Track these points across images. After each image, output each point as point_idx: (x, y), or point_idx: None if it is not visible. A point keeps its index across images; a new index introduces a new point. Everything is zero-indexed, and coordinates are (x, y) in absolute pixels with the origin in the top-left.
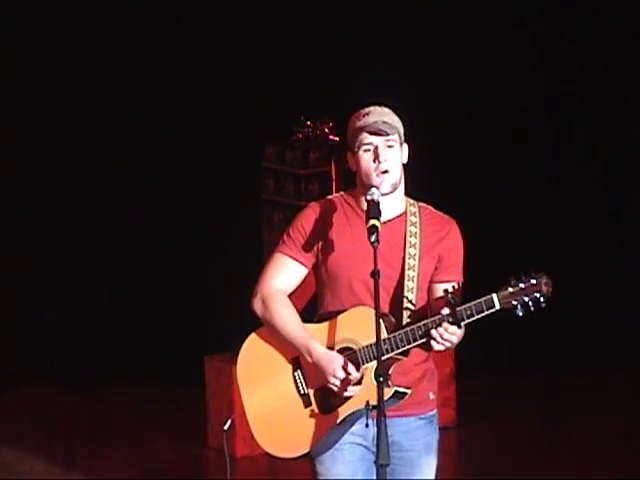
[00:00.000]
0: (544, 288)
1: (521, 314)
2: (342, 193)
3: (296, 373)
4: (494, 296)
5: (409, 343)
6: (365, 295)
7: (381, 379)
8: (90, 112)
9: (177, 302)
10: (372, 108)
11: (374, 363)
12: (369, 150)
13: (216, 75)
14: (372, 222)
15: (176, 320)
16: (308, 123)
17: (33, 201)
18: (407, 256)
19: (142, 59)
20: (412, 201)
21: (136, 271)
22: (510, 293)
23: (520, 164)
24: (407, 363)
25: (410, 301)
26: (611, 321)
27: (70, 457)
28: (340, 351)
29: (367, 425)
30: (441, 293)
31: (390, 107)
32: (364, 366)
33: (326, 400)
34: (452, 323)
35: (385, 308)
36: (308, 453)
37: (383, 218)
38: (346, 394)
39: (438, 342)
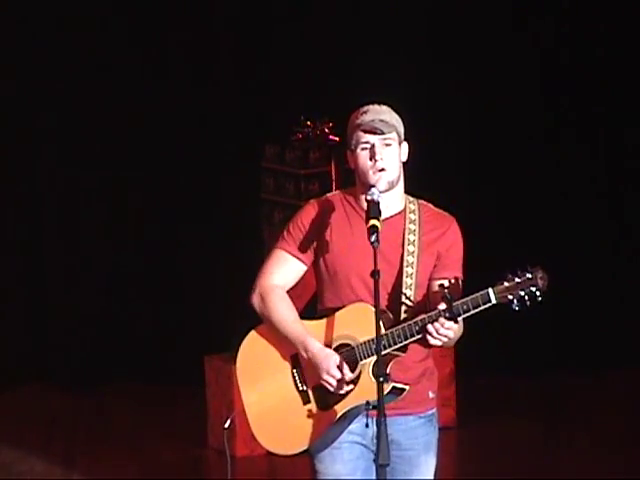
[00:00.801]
0: (540, 282)
1: (517, 308)
2: (341, 191)
3: (295, 370)
4: (490, 291)
5: (406, 339)
6: (364, 292)
7: (381, 379)
8: (90, 112)
9: (177, 302)
10: (371, 106)
11: (372, 359)
12: (366, 148)
13: (216, 75)
14: (372, 222)
15: (176, 320)
16: (308, 123)
17: (33, 201)
18: (406, 253)
19: (142, 59)
20: (411, 198)
21: (136, 271)
22: (506, 287)
23: (519, 162)
24: (406, 360)
25: (408, 298)
26: (610, 321)
27: (70, 457)
28: (338, 347)
29: (367, 425)
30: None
31: (390, 106)
32: (362, 362)
33: (324, 397)
34: (448, 318)
35: (383, 304)
36: (307, 450)
37: (382, 216)
38: (340, 392)
39: (434, 337)
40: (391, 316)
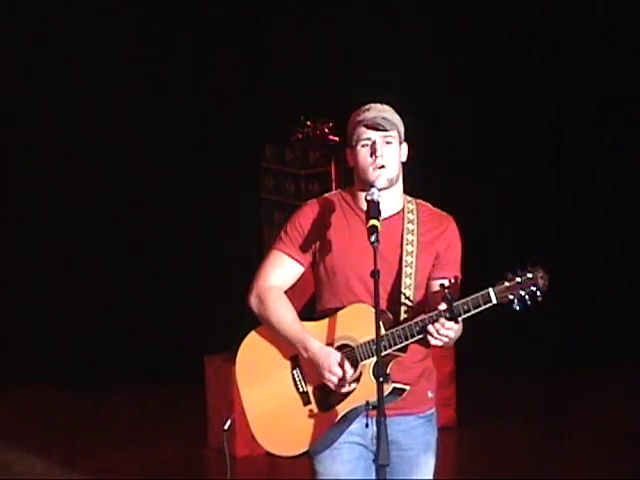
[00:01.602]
0: (540, 282)
1: (518, 308)
2: (340, 191)
3: (295, 371)
4: (491, 290)
5: (407, 339)
6: (363, 292)
7: (381, 379)
8: (90, 112)
9: (177, 302)
10: (373, 104)
11: (372, 360)
12: (367, 145)
13: (216, 75)
14: (372, 222)
15: (176, 320)
16: (308, 123)
17: (33, 201)
18: (404, 253)
19: (142, 59)
20: (410, 198)
21: (136, 271)
22: (507, 287)
23: (519, 161)
24: (406, 361)
25: (408, 297)
26: (611, 321)
27: (70, 457)
28: (338, 348)
29: (367, 425)
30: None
31: (391, 106)
32: (362, 363)
33: (325, 398)
34: (449, 318)
35: (383, 305)
36: (307, 452)
37: (381, 215)
38: (342, 390)
39: (435, 337)
40: (391, 316)
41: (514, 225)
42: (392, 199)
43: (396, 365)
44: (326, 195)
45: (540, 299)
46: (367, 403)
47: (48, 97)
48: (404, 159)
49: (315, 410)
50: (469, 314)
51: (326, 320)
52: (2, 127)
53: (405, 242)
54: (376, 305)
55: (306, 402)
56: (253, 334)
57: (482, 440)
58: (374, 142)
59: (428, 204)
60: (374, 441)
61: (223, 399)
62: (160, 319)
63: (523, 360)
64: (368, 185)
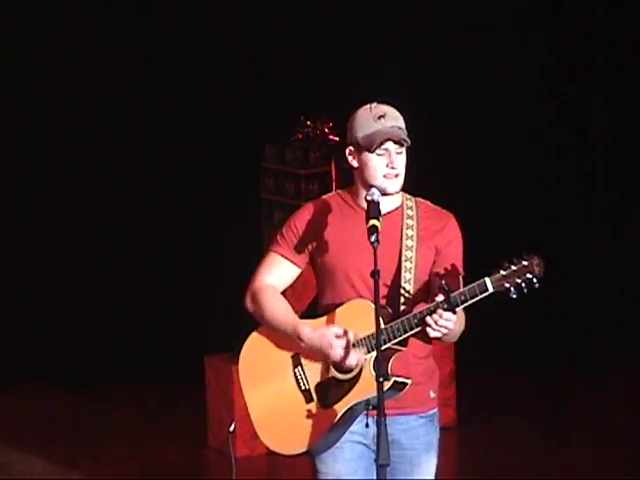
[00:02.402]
0: (536, 269)
1: (515, 296)
2: (339, 191)
3: (296, 370)
4: (487, 280)
5: (405, 332)
6: (364, 290)
7: (381, 379)
8: (90, 111)
9: (177, 302)
10: (385, 108)
11: (372, 354)
12: (382, 154)
13: (216, 75)
14: (372, 222)
15: (176, 320)
16: (308, 123)
17: (33, 201)
18: (404, 248)
19: (142, 60)
20: (408, 196)
21: (136, 271)
22: (502, 276)
23: (518, 158)
24: (408, 357)
25: (407, 292)
26: (611, 321)
27: (70, 457)
28: None
29: (367, 425)
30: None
31: (393, 106)
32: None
33: (327, 394)
34: (447, 309)
35: (383, 300)
36: (309, 451)
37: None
38: (349, 362)
39: (434, 329)
40: (390, 311)
41: (514, 224)
42: (391, 197)
43: (398, 361)
44: (324, 197)
45: (537, 286)
46: (367, 402)
47: (48, 97)
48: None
49: (318, 407)
50: (466, 304)
51: (325, 317)
52: (2, 127)
53: (405, 237)
54: (376, 305)
55: (309, 400)
56: (254, 335)
57: (482, 440)
58: (390, 152)
59: (427, 202)
60: (375, 440)
61: (223, 399)
62: (160, 319)
63: (523, 360)
64: (369, 188)
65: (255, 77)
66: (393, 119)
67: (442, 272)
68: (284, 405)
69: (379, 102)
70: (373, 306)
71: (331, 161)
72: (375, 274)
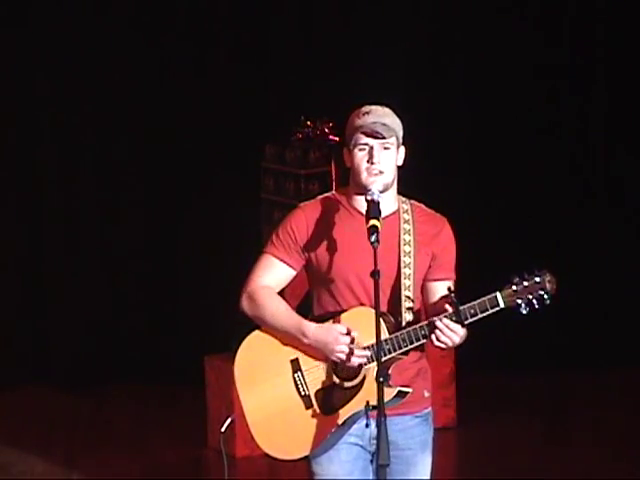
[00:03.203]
0: (548, 286)
1: (525, 312)
2: (334, 192)
3: (296, 374)
4: (498, 295)
5: (411, 343)
6: (362, 293)
7: (381, 379)
8: (90, 111)
9: (177, 302)
10: (373, 107)
11: (375, 363)
12: (364, 149)
13: (216, 75)
14: (372, 222)
15: (176, 320)
16: (308, 123)
17: (33, 201)
18: (402, 253)
19: (142, 59)
20: (404, 199)
21: (136, 271)
22: (514, 291)
23: (519, 163)
24: (403, 362)
25: (409, 298)
26: (611, 321)
27: (70, 457)
28: None
29: (367, 425)
30: (435, 291)
31: (391, 108)
32: (366, 367)
33: (328, 400)
34: (455, 322)
35: (384, 307)
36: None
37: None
38: (356, 360)
39: (441, 340)
40: (393, 319)
41: (513, 226)
42: (387, 200)
43: (394, 367)
44: (319, 197)
45: (548, 302)
46: (367, 403)
47: (48, 97)
48: (401, 163)
49: (318, 413)
50: (476, 318)
51: (327, 324)
52: (2, 128)
53: (402, 242)
54: (376, 305)
55: (308, 405)
56: (251, 338)
57: (482, 440)
58: (371, 148)
59: (422, 205)
60: (372, 441)
61: (223, 399)
62: (160, 319)
63: (523, 360)
64: (363, 188)
65: (255, 77)
66: (377, 116)
67: (438, 277)
68: (282, 410)
69: (380, 104)
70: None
71: (331, 161)
72: (375, 274)
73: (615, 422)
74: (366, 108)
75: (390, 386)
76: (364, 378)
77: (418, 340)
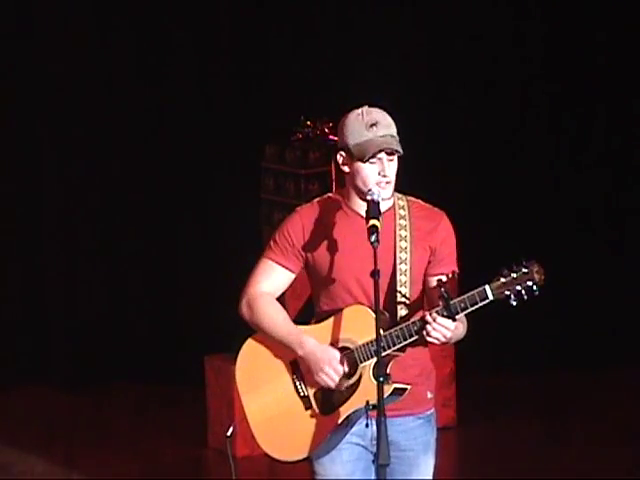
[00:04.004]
0: (536, 276)
1: (515, 304)
2: (330, 195)
3: (295, 375)
4: (487, 287)
5: (405, 339)
6: (360, 294)
7: (381, 379)
8: (90, 111)
9: (177, 302)
10: (377, 116)
11: (372, 361)
12: (375, 163)
13: (216, 75)
14: (372, 222)
15: (176, 320)
16: (308, 123)
17: (33, 201)
18: (398, 250)
19: (142, 60)
20: (400, 195)
21: (136, 271)
22: (502, 283)
23: (518, 162)
24: (405, 359)
25: (404, 295)
26: (610, 321)
27: (70, 457)
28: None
29: (367, 425)
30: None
31: (392, 108)
32: (362, 364)
33: (326, 400)
34: (446, 316)
35: (380, 304)
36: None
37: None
38: (340, 388)
39: (432, 336)
40: (388, 316)
41: (512, 223)
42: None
43: (396, 364)
44: (316, 199)
45: (537, 293)
46: (367, 403)
47: (48, 97)
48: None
49: (317, 413)
50: (466, 311)
51: (324, 323)
52: (2, 128)
53: (398, 238)
54: (376, 305)
55: (307, 406)
56: (250, 341)
57: (482, 440)
58: (381, 161)
59: (419, 200)
60: (374, 442)
61: (223, 399)
62: (160, 319)
63: (523, 360)
64: (366, 193)
65: (255, 77)
66: (385, 127)
67: (439, 272)
68: (283, 411)
69: (370, 106)
70: (371, 312)
71: (331, 161)
72: (375, 274)
73: (615, 422)
74: (370, 117)
75: (388, 383)
76: (360, 376)
77: (412, 336)
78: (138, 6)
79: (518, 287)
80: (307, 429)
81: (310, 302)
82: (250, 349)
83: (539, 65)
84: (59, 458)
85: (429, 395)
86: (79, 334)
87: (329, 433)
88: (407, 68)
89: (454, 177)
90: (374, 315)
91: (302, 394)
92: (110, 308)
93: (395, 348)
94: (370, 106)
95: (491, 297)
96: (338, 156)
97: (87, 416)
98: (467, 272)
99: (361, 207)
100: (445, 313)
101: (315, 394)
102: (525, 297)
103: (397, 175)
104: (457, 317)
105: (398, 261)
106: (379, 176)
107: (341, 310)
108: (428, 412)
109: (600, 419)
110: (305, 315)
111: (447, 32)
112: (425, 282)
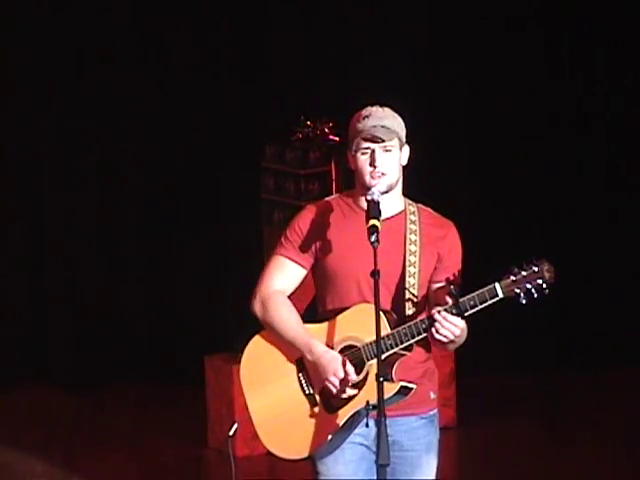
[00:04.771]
0: (546, 275)
1: (524, 302)
2: (340, 194)
3: (301, 374)
4: (497, 285)
5: (413, 337)
6: (367, 293)
7: (381, 379)
8: (90, 111)
9: (177, 302)
10: (373, 110)
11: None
12: (366, 153)
13: (216, 75)
14: (372, 222)
15: (176, 320)
16: (308, 123)
17: (33, 201)
18: (407, 252)
19: (142, 59)
20: (410, 201)
21: (136, 271)
22: (512, 281)
23: (522, 160)
24: (409, 361)
25: (412, 296)
26: (611, 321)
27: (70, 457)
28: (344, 349)
29: (367, 425)
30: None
31: (392, 108)
32: (369, 362)
33: (332, 399)
34: (455, 314)
35: (387, 305)
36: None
37: (382, 216)
38: (343, 395)
39: (440, 333)
40: (395, 316)
41: (514, 224)
42: (393, 200)
43: (399, 365)
44: (326, 199)
45: (547, 292)
46: (367, 403)
47: (47, 97)
48: (405, 162)
49: (322, 412)
50: (476, 309)
51: (330, 321)
52: (2, 128)
53: (408, 242)
54: (376, 305)
55: (313, 404)
56: (257, 338)
57: (482, 440)
58: (373, 151)
59: (429, 209)
60: (375, 442)
61: (223, 399)
62: (160, 319)
63: (523, 360)
64: (367, 190)
65: (255, 77)
66: (377, 118)
67: (444, 279)
68: (288, 409)
69: (380, 105)
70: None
71: (331, 161)
72: (375, 274)
73: (615, 422)
74: (366, 111)
75: (394, 382)
76: (367, 374)
77: (419, 334)
78: (138, 5)
79: (528, 285)
80: (312, 427)
81: (312, 307)
82: (256, 347)
83: (540, 64)
84: (59, 458)
85: (432, 395)
86: (79, 334)
87: (333, 432)
88: (408, 68)
89: (454, 177)
90: (382, 314)
91: (307, 392)
92: (110, 308)
93: (402, 346)
94: (381, 106)
95: (501, 295)
96: (348, 156)
97: (87, 416)
98: (472, 274)
99: None
100: (454, 311)
101: (320, 392)
102: (535, 295)
103: (404, 181)
104: (466, 314)
105: (407, 263)
106: (370, 167)
107: (348, 308)
108: (431, 412)
109: (600, 419)
110: (307, 317)
111: (449, 31)
112: (428, 288)
